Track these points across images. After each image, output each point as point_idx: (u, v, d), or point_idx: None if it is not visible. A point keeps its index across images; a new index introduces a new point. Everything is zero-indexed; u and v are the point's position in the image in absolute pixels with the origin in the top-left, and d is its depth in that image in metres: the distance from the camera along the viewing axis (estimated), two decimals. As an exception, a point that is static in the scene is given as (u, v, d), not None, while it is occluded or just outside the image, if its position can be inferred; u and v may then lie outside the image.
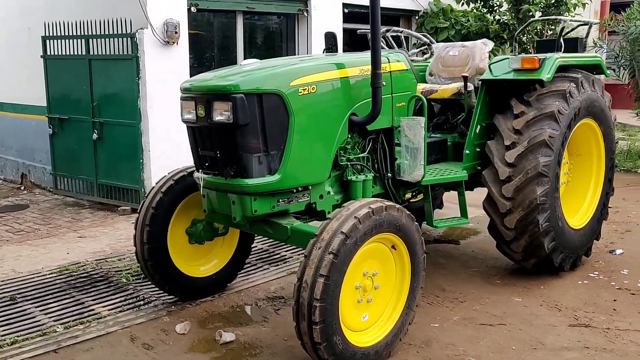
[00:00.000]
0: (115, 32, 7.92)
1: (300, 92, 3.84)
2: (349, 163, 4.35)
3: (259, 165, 3.76)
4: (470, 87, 5.20)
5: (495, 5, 11.32)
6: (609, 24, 10.70)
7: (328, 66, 4.10)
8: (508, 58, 4.89)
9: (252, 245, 5.11)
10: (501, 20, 11.31)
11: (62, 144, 8.77)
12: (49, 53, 8.73)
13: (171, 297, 4.75)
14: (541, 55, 4.85)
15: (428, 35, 5.90)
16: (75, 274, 5.37)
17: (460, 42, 5.76)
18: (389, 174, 4.61)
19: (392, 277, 3.84)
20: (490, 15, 11.39)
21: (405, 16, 11.86)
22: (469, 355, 3.89)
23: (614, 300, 4.70)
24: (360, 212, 3.47)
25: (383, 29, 5.26)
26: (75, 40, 8.40)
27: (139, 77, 7.64)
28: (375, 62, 4.03)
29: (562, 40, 5.17)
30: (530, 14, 10.55)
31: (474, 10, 11.54)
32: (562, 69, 4.99)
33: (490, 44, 5.50)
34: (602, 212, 5.51)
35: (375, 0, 3.97)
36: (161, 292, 4.76)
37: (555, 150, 4.73)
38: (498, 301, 4.72)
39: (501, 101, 5.02)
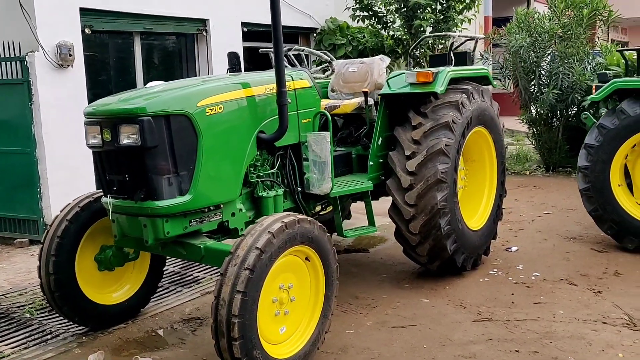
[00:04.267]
0: (3, 55, 7.58)
1: (208, 112, 3.88)
2: (259, 180, 4.42)
3: (169, 186, 3.75)
4: (371, 101, 5.43)
5: (388, 21, 11.82)
6: (493, 38, 11.47)
7: (234, 86, 4.17)
8: (404, 73, 5.16)
9: (164, 268, 5.05)
10: (395, 36, 11.82)
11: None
12: None
13: (82, 327, 4.59)
14: (434, 69, 5.17)
15: (328, 53, 6.12)
16: (-26, 312, 5.07)
17: (359, 59, 6.01)
18: (299, 188, 4.72)
19: (307, 288, 3.94)
20: (385, 31, 11.87)
21: (303, 34, 12.13)
22: (384, 357, 4.05)
23: (512, 294, 5.05)
24: (273, 226, 3.54)
25: (285, 47, 5.40)
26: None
27: (31, 102, 7.34)
28: (280, 81, 4.14)
29: (452, 55, 5.52)
30: (422, 29, 11.13)
31: (369, 27, 11.98)
32: (454, 81, 5.33)
33: (387, 60, 5.79)
34: (497, 213, 5.90)
35: (277, 20, 4.09)
36: (70, 323, 4.59)
37: (452, 157, 5.04)
38: (408, 304, 4.93)
39: (400, 114, 5.28)
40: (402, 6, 11.42)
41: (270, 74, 4.34)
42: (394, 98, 5.30)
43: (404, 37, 11.78)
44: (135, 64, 9.07)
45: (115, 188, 3.85)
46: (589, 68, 10.08)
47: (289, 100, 4.26)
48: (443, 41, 11.10)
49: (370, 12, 11.76)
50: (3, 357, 4.24)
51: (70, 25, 7.81)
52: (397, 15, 11.68)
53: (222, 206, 4.11)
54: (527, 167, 11.09)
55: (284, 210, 4.73)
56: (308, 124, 4.71)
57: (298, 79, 4.69)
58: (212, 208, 4.02)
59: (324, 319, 4.00)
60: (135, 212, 3.82)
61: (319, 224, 3.88)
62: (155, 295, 5.08)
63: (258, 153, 4.39)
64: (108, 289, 4.69)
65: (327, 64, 5.25)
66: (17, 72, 7.52)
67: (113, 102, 3.85)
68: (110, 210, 3.89)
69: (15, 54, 7.50)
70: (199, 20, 9.78)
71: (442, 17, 11.56)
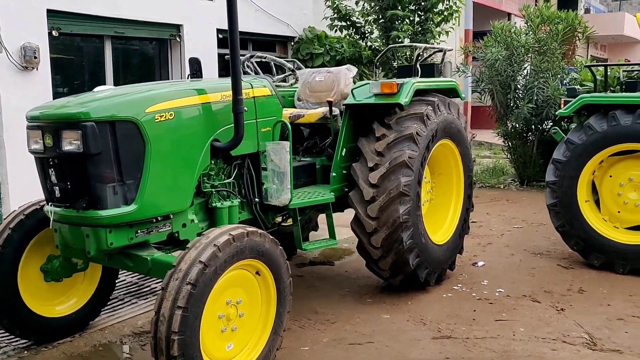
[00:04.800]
0: (-34, 56, 7.38)
1: (157, 118, 3.73)
2: (213, 190, 4.28)
3: (114, 195, 3.60)
4: (336, 111, 5.32)
5: (366, 32, 11.76)
6: (470, 51, 11.45)
7: (187, 92, 4.03)
8: (369, 83, 5.06)
9: (119, 279, 4.87)
10: (373, 46, 11.76)
11: None
12: None
13: (25, 341, 4.40)
14: (400, 80, 5.07)
15: (297, 62, 6.01)
16: None
17: (325, 68, 5.91)
18: (256, 199, 4.59)
19: (258, 303, 3.79)
20: (363, 41, 11.81)
21: (281, 42, 12.03)
22: (337, 376, 3.92)
23: (474, 311, 4.94)
24: (220, 239, 3.40)
25: (247, 54, 5.29)
26: None
27: (-7, 104, 7.14)
28: (236, 88, 4.02)
29: (418, 66, 5.44)
30: (400, 40, 11.08)
31: (347, 37, 11.92)
32: (420, 93, 5.24)
33: (354, 70, 5.69)
34: (463, 227, 5.81)
35: (233, 26, 3.95)
36: (12, 336, 4.39)
37: (415, 170, 4.94)
38: (368, 320, 4.81)
39: (365, 125, 5.17)
40: (380, 17, 11.39)
41: (227, 81, 4.20)
42: (359, 108, 5.19)
43: (382, 47, 11.73)
44: (106, 68, 8.90)
45: (57, 196, 3.69)
46: (563, 83, 10.08)
47: (245, 108, 4.13)
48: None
49: (348, 22, 11.70)
50: (-62, 371, 4.05)
51: (36, 26, 7.61)
52: (375, 26, 11.64)
53: (171, 217, 3.96)
54: (501, 180, 11.06)
55: (241, 222, 4.61)
56: (268, 132, 4.58)
57: (258, 86, 4.56)
58: (160, 218, 3.86)
59: (275, 336, 3.86)
60: (77, 222, 3.66)
61: (271, 237, 3.74)
62: (107, 307, 4.91)
63: (213, 162, 4.25)
64: (54, 301, 4.50)
65: (290, 72, 5.13)
66: (-21, 74, 7.32)
67: (57, 105, 3.69)
68: (52, 219, 3.71)
69: (-24, 56, 7.31)
70: (173, 25, 9.62)
71: (420, 28, 11.55)
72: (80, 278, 4.61)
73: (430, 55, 5.98)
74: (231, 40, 3.98)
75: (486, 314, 4.87)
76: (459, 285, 5.55)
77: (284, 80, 5.31)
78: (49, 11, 7.78)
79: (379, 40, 11.71)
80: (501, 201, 9.36)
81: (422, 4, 11.44)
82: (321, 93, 5.68)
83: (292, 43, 12.01)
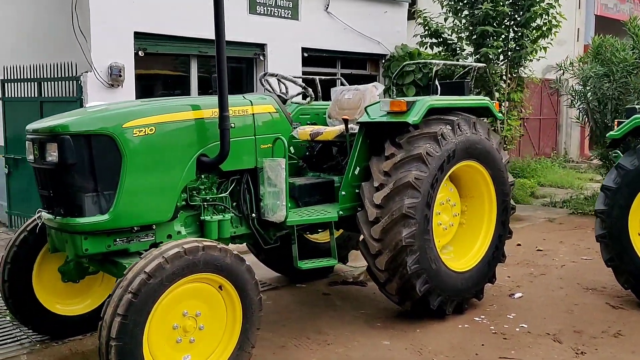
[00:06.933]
0: (63, 75, 8.22)
1: (135, 133, 3.91)
2: (204, 203, 4.39)
3: (92, 204, 3.82)
4: (356, 129, 5.23)
5: (457, 48, 11.41)
6: (566, 69, 10.66)
7: (173, 108, 4.19)
8: (381, 101, 4.93)
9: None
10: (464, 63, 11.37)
11: (17, 183, 8.99)
12: (6, 95, 9.08)
13: (42, 335, 4.77)
14: (413, 98, 4.89)
15: (317, 81, 5.95)
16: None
17: (355, 86, 5.83)
18: (253, 214, 4.63)
19: (222, 317, 3.82)
20: (454, 58, 11.46)
21: (372, 60, 12.01)
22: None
23: (482, 345, 4.59)
24: (169, 252, 3.50)
25: (264, 73, 5.37)
26: (29, 83, 8.73)
27: (81, 119, 7.84)
28: (222, 105, 4.11)
29: (437, 83, 5.21)
30: (490, 57, 10.63)
31: (440, 54, 11.64)
32: (440, 111, 5.00)
33: (381, 87, 5.58)
34: (494, 254, 5.41)
35: (220, 43, 4.06)
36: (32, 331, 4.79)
37: (423, 192, 4.71)
38: (365, 344, 4.65)
39: (380, 143, 5.04)
40: (472, 33, 11.01)
41: (228, 98, 4.29)
42: (375, 127, 5.07)
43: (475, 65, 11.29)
44: (191, 86, 9.43)
45: (45, 203, 4.00)
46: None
47: (232, 124, 4.21)
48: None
49: (439, 39, 11.44)
50: (-41, 354, 4.52)
51: (123, 48, 8.28)
52: (467, 42, 11.26)
53: (154, 227, 4.12)
54: (598, 207, 10.12)
55: (237, 237, 4.69)
56: (267, 149, 4.62)
57: (259, 103, 4.63)
58: (137, 229, 4.03)
59: (240, 352, 3.87)
60: (58, 228, 3.95)
61: (234, 252, 3.77)
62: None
63: (203, 176, 4.38)
64: (71, 300, 4.84)
65: (303, 90, 5.14)
66: (72, 91, 8.12)
67: (46, 120, 4.02)
68: (40, 224, 4.03)
69: (71, 75, 8.11)
70: (257, 44, 10.01)
71: (515, 45, 11.00)
72: (98, 280, 4.93)
73: (468, 72, 5.69)
74: (218, 57, 4.09)
75: (493, 349, 4.51)
76: (482, 316, 5.18)
77: (305, 97, 5.30)
78: (135, 33, 8.44)
79: (470, 58, 11.30)
80: (584, 230, 8.58)
81: (518, 19, 10.89)
82: (349, 110, 5.62)
83: (383, 61, 11.93)
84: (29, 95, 8.79)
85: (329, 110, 5.88)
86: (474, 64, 5.55)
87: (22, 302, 4.56)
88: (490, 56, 10.79)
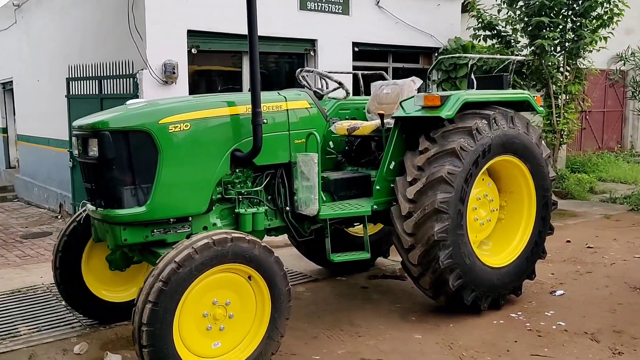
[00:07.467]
0: (121, 73, 8.61)
1: (171, 129, 4.10)
2: (239, 197, 4.54)
3: (130, 197, 4.04)
4: (392, 123, 5.26)
5: (511, 40, 11.17)
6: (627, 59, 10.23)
7: (208, 105, 4.35)
8: (415, 96, 4.95)
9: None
10: (519, 55, 11.12)
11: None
12: (71, 93, 9.58)
13: (92, 320, 5.07)
14: (447, 93, 4.87)
15: (359, 76, 5.99)
16: (24, 295, 5.84)
17: (394, 80, 5.85)
18: (287, 208, 4.75)
19: (251, 307, 3.96)
20: (508, 50, 11.23)
21: (425, 53, 11.91)
22: (327, 388, 3.93)
23: (515, 342, 4.55)
24: (199, 242, 3.66)
25: (303, 69, 5.47)
26: (90, 81, 9.20)
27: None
28: (255, 102, 4.24)
29: (473, 77, 5.16)
30: (545, 49, 10.37)
31: (494, 46, 11.42)
32: (476, 105, 4.97)
33: (419, 81, 5.57)
34: (533, 250, 5.33)
35: (253, 41, 4.19)
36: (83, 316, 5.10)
37: (457, 187, 4.70)
38: (397, 337, 4.69)
39: (415, 138, 5.05)
40: (527, 25, 10.75)
41: (262, 94, 4.42)
42: (411, 121, 5.08)
43: (529, 57, 11.05)
44: (243, 82, 9.66)
45: (89, 195, 4.25)
46: None
47: (264, 120, 4.34)
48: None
49: (493, 32, 11.22)
50: (15, 335, 4.85)
51: (177, 45, 8.57)
52: (522, 34, 11.00)
53: (190, 219, 4.30)
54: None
55: (272, 229, 4.82)
56: (301, 144, 4.72)
57: (294, 99, 4.74)
58: (174, 220, 4.22)
59: (269, 340, 3.99)
60: (100, 219, 4.19)
61: (262, 244, 3.89)
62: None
63: (238, 170, 4.52)
64: (118, 288, 5.12)
65: (338, 86, 5.20)
66: (129, 88, 8.50)
67: (89, 117, 4.26)
68: (84, 215, 4.28)
69: (129, 72, 8.48)
70: (308, 40, 10.12)
71: (573, 36, 10.67)
72: (143, 269, 5.17)
73: (512, 66, 5.60)
74: (251, 54, 4.23)
75: (525, 346, 4.46)
76: (519, 313, 5.12)
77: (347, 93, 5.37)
78: (189, 31, 8.72)
79: (525, 50, 11.05)
80: (644, 227, 8.28)
81: (576, 8, 10.54)
82: (387, 105, 5.65)
83: (436, 54, 11.81)
84: (91, 93, 9.25)
85: (368, 105, 5.93)
86: (512, 57, 5.45)
87: (72, 288, 4.86)
88: (546, 47, 10.51)
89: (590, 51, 10.68)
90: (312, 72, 5.36)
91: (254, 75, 4.23)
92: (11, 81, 14.13)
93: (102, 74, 8.99)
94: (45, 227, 10.01)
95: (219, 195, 4.47)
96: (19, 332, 4.94)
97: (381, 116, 5.19)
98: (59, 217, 11.10)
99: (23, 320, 5.18)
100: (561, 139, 11.32)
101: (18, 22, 13.18)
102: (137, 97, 8.27)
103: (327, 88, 5.46)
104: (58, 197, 11.50)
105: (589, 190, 11.25)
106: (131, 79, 8.46)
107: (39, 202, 12.52)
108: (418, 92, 5.36)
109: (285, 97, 4.71)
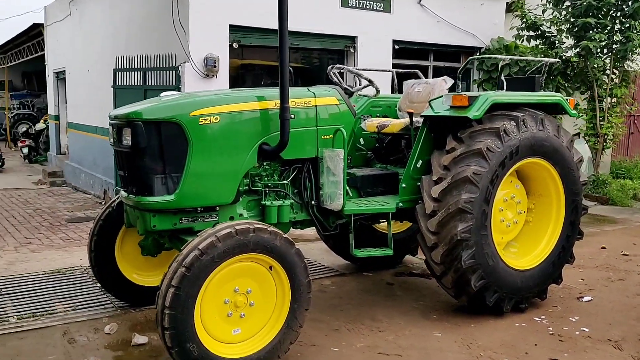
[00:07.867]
0: (164, 65, 8.87)
1: (201, 121, 4.24)
2: (266, 189, 4.66)
3: (160, 185, 4.20)
4: (421, 122, 5.29)
5: (556, 41, 10.99)
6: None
7: (238, 99, 4.48)
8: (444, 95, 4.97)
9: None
10: (564, 57, 10.95)
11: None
12: (117, 83, 9.92)
13: (124, 302, 5.28)
14: (475, 94, 4.88)
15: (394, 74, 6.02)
16: (64, 276, 6.12)
17: (425, 79, 5.87)
18: (313, 202, 4.85)
19: (272, 296, 4.07)
20: (552, 51, 11.06)
21: (466, 53, 11.82)
22: (342, 379, 4.01)
23: (535, 345, 4.54)
24: (222, 231, 3.79)
25: (335, 66, 5.55)
26: (135, 72, 9.50)
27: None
28: (283, 97, 4.36)
29: (503, 78, 5.14)
30: (590, 51, 10.18)
31: (537, 47, 11.26)
32: (505, 107, 4.96)
33: (450, 81, 5.58)
34: (560, 255, 5.28)
35: (284, 39, 4.30)
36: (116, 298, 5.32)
37: (482, 187, 4.71)
38: (417, 334, 4.74)
39: (444, 138, 5.07)
40: (573, 26, 10.56)
41: (291, 90, 4.53)
42: (440, 121, 5.10)
43: (573, 58, 10.86)
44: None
45: (122, 183, 4.44)
46: None
47: (292, 115, 4.44)
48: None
49: (537, 32, 11.06)
50: (52, 313, 5.10)
51: (218, 40, 8.78)
52: (568, 35, 10.81)
53: (217, 209, 4.44)
54: None
55: (297, 222, 4.93)
56: (328, 140, 4.81)
57: (322, 95, 4.83)
58: (201, 209, 4.37)
59: (288, 330, 4.10)
60: (131, 205, 4.37)
61: (284, 236, 4.00)
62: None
63: (266, 164, 4.64)
64: (149, 272, 5.31)
65: (368, 83, 5.26)
66: (172, 80, 8.74)
67: (124, 108, 4.44)
68: (117, 201, 4.47)
69: (172, 65, 8.73)
70: (348, 37, 10.19)
71: (622, 38, 10.43)
72: (173, 256, 5.32)
73: (540, 67, 5.55)
74: (281, 51, 4.34)
75: (545, 350, 4.45)
76: (542, 316, 5.09)
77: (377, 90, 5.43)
78: (231, 26, 8.91)
79: (570, 51, 10.86)
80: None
81: (625, 9, 10.31)
82: (418, 104, 5.68)
83: (478, 54, 11.71)
84: (135, 84, 9.55)
85: (399, 103, 5.97)
86: (545, 59, 5.40)
87: (106, 271, 5.08)
88: (592, 49, 10.32)
89: (639, 54, 10.41)
90: (342, 69, 5.43)
91: (283, 72, 4.34)
92: (64, 70, 14.66)
93: (146, 66, 9.27)
94: (90, 212, 10.37)
95: (246, 187, 4.60)
96: (56, 309, 5.19)
97: (410, 115, 5.23)
98: (103, 202, 11.47)
99: (60, 299, 5.44)
100: (604, 144, 11.09)
101: (72, 14, 13.65)
102: (179, 89, 8.50)
103: (359, 85, 5.52)
104: (103, 184, 11.88)
105: (632, 197, 10.99)
106: (174, 71, 8.70)
107: (85, 187, 12.97)
108: (449, 92, 5.37)
109: (314, 93, 4.81)
